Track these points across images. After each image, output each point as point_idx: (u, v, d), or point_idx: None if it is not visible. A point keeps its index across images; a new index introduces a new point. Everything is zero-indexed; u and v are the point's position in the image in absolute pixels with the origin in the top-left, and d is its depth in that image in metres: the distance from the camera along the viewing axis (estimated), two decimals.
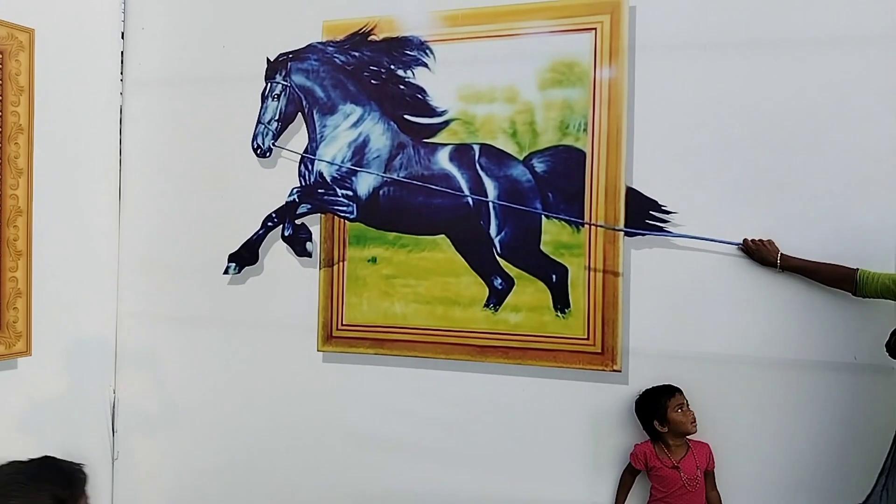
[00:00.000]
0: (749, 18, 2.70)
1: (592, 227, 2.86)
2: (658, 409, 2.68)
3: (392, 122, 3.13)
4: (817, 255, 2.61)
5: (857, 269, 2.52)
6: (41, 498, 1.45)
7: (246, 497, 3.37)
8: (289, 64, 3.27)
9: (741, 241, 2.70)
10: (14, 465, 1.53)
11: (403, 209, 3.11)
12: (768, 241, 2.66)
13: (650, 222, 2.80)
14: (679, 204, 2.77)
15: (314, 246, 3.25)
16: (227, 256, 3.37)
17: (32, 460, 1.55)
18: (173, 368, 3.47)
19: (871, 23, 2.59)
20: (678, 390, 2.70)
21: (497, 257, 2.98)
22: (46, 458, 1.57)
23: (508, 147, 2.96)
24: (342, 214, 3.21)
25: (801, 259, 2.62)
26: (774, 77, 2.67)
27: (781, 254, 2.63)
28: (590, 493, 2.88)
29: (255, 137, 3.32)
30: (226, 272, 3.38)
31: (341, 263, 3.22)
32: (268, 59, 3.30)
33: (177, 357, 3.46)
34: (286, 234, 3.29)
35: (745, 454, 2.72)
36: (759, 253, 2.66)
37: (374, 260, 3.16)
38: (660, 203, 2.79)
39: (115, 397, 3.52)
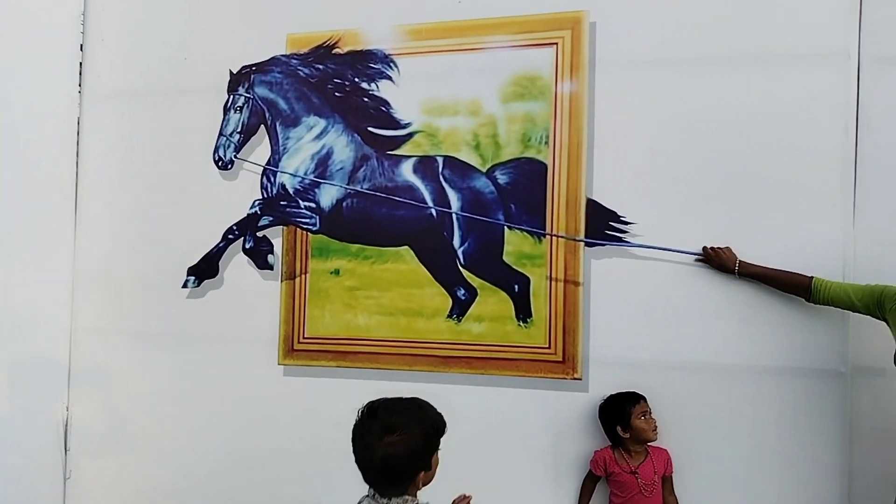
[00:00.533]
0: (706, 36, 2.80)
1: (554, 237, 2.91)
2: (622, 415, 2.71)
3: (356, 135, 3.15)
4: (773, 263, 2.70)
5: (812, 277, 2.61)
6: (429, 430, 1.84)
7: None
8: (252, 76, 3.27)
9: (700, 250, 2.77)
10: (400, 400, 1.90)
11: (367, 221, 3.12)
12: (726, 248, 2.74)
13: (610, 233, 2.86)
14: (638, 215, 2.84)
15: (276, 258, 3.23)
16: (186, 270, 3.33)
17: (413, 398, 1.92)
18: (129, 384, 3.39)
19: (824, 42, 2.71)
20: (642, 398, 2.74)
21: (460, 268, 3.00)
22: (421, 399, 1.92)
23: (472, 159, 3.00)
24: (305, 226, 3.21)
25: (758, 266, 2.70)
26: (730, 93, 2.77)
27: (740, 261, 2.71)
28: (553, 499, 2.90)
29: (216, 150, 3.30)
30: (185, 286, 3.33)
31: (303, 276, 3.20)
32: (230, 72, 3.29)
33: (133, 373, 3.38)
34: (247, 246, 3.26)
35: (702, 459, 2.77)
36: (717, 260, 2.73)
37: (337, 272, 3.15)
38: (619, 214, 2.85)
39: (68, 415, 3.43)
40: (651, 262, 2.83)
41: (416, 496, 1.83)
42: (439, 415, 1.90)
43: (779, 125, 2.74)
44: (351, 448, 1.93)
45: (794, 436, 2.67)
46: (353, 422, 1.97)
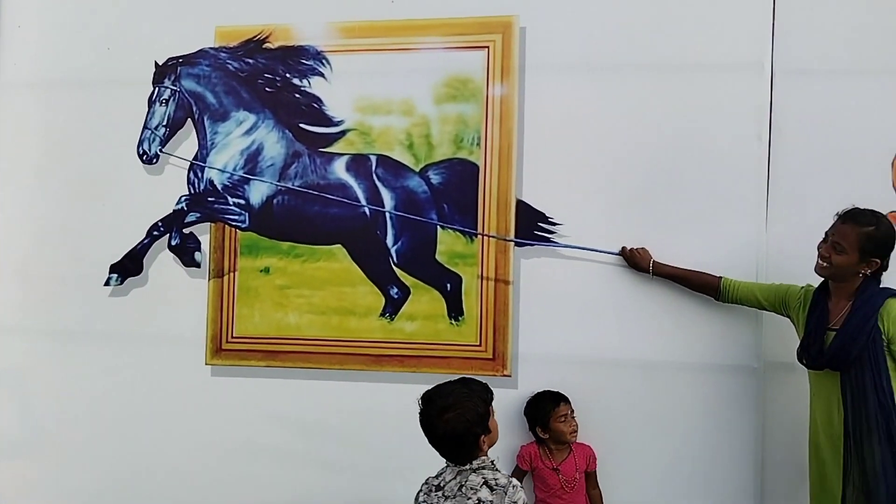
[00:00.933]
0: (629, 43, 2.91)
1: (485, 237, 2.96)
2: (542, 416, 2.80)
3: (287, 131, 3.12)
4: (687, 263, 2.83)
5: (721, 277, 2.76)
6: (477, 402, 2.12)
7: None
8: (178, 68, 3.19)
9: (619, 250, 2.88)
10: (448, 384, 2.18)
11: (298, 218, 3.10)
12: (641, 249, 2.85)
13: (538, 233, 2.93)
14: (565, 216, 2.93)
15: (203, 256, 3.17)
16: (108, 267, 3.22)
17: (460, 379, 2.21)
18: (49, 385, 3.26)
19: (739, 52, 2.85)
20: (564, 399, 2.83)
21: (393, 267, 3.02)
22: (466, 377, 2.22)
23: (405, 159, 3.02)
24: (233, 223, 3.16)
25: (671, 266, 2.83)
26: (651, 99, 2.89)
27: (654, 261, 2.83)
28: None
29: (140, 143, 3.21)
30: (107, 283, 3.23)
31: (232, 274, 3.15)
32: (156, 63, 3.20)
33: (53, 373, 3.26)
34: (173, 243, 3.19)
35: (625, 452, 2.88)
36: (633, 259, 2.85)
37: (267, 270, 3.12)
38: (547, 215, 2.93)
39: None
40: (577, 262, 2.92)
41: (487, 455, 2.14)
42: (484, 385, 2.19)
43: (696, 131, 2.87)
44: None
45: (712, 429, 2.81)
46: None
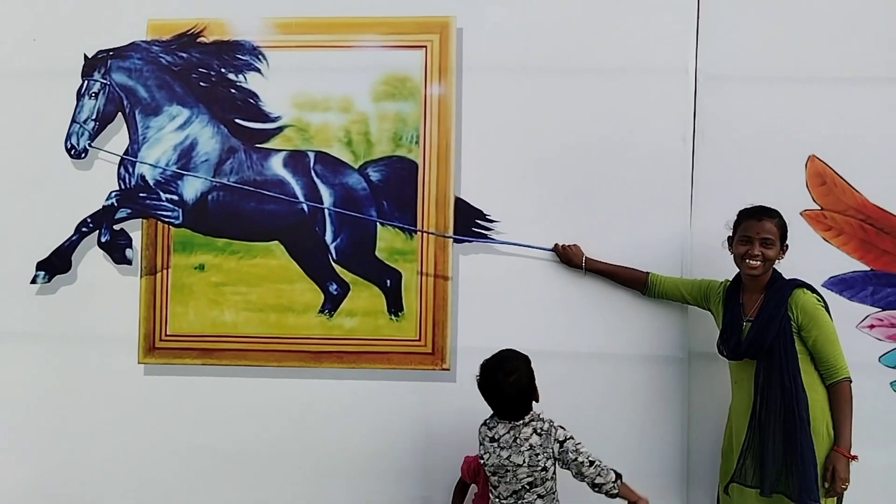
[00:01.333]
0: (560, 46, 3.01)
1: (424, 234, 3.01)
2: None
3: (222, 126, 3.09)
4: (616, 259, 2.96)
5: (649, 273, 2.90)
6: (530, 367, 2.55)
7: None
8: (109, 62, 3.12)
9: (552, 246, 2.98)
10: (506, 352, 2.59)
11: (234, 215, 3.07)
12: (574, 245, 2.96)
13: (476, 230, 3.01)
14: (501, 213, 3.01)
15: (134, 253, 3.11)
16: (35, 264, 3.12)
17: (510, 350, 2.61)
18: None
19: (665, 57, 2.99)
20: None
21: (332, 263, 3.04)
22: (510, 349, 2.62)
23: (343, 155, 3.04)
24: (166, 220, 3.11)
25: (601, 262, 2.95)
26: (582, 101, 3.00)
27: (586, 257, 2.95)
28: (423, 485, 3.03)
29: (68, 137, 3.12)
30: (34, 281, 3.13)
31: (165, 271, 3.10)
32: (85, 56, 3.12)
33: None
34: (103, 240, 3.12)
35: None
36: (566, 256, 2.96)
37: (201, 267, 3.09)
38: (484, 212, 3.01)
39: None
40: (513, 258, 3.01)
41: (533, 410, 2.55)
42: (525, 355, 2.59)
43: (625, 132, 3.00)
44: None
45: (640, 416, 2.94)
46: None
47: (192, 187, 3.10)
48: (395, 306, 3.02)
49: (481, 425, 2.60)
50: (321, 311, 3.04)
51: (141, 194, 3.12)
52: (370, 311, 3.03)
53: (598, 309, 2.97)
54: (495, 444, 2.50)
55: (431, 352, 3.01)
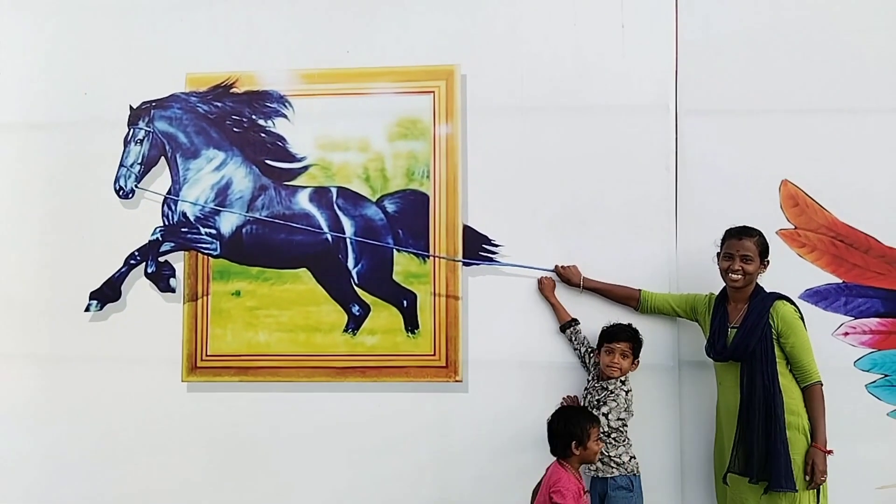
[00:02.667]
0: (556, 89, 3.35)
1: (436, 258, 3.34)
2: (582, 433, 2.81)
3: (254, 166, 3.45)
4: (610, 277, 3.26)
5: (640, 290, 3.20)
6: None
7: None
8: (152, 111, 3.49)
9: (553, 267, 3.29)
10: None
11: (266, 245, 3.42)
12: (573, 266, 3.28)
13: (483, 253, 3.33)
14: (506, 238, 3.33)
15: (178, 282, 3.45)
16: (88, 294, 3.47)
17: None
18: (35, 405, 3.48)
19: (648, 95, 3.32)
20: (597, 420, 2.96)
21: (354, 287, 3.37)
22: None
23: (363, 190, 3.39)
24: (205, 251, 3.45)
25: (597, 281, 3.26)
26: (574, 136, 3.34)
27: (583, 277, 3.25)
28: (440, 488, 3.32)
29: (117, 180, 3.49)
30: (87, 310, 3.47)
31: (205, 297, 3.44)
32: (130, 107, 3.49)
33: (39, 393, 3.48)
34: (149, 270, 3.46)
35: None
36: (565, 275, 3.27)
37: (238, 293, 3.42)
38: (490, 238, 3.33)
39: None
40: (517, 279, 3.32)
41: None
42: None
43: (613, 163, 3.32)
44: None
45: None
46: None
47: (228, 222, 3.45)
48: (411, 324, 3.34)
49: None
50: (345, 331, 3.37)
51: (183, 229, 3.47)
52: (389, 329, 3.35)
53: (595, 322, 3.23)
54: None
55: (445, 365, 3.33)
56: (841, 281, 3.25)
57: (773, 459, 2.78)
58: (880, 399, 3.22)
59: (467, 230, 3.34)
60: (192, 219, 3.47)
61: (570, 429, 2.80)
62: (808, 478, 2.80)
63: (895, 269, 3.25)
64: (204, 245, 3.46)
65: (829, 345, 3.18)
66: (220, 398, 3.41)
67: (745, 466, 2.85)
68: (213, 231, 3.46)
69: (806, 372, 2.87)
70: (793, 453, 2.80)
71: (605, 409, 3.03)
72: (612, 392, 3.05)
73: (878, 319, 3.25)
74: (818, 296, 3.25)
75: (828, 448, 2.82)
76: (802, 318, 2.94)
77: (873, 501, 3.16)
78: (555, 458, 2.88)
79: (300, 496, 3.38)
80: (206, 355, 3.43)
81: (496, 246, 3.33)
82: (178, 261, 3.46)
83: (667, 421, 3.25)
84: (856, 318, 3.25)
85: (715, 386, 3.08)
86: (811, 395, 2.86)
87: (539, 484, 2.89)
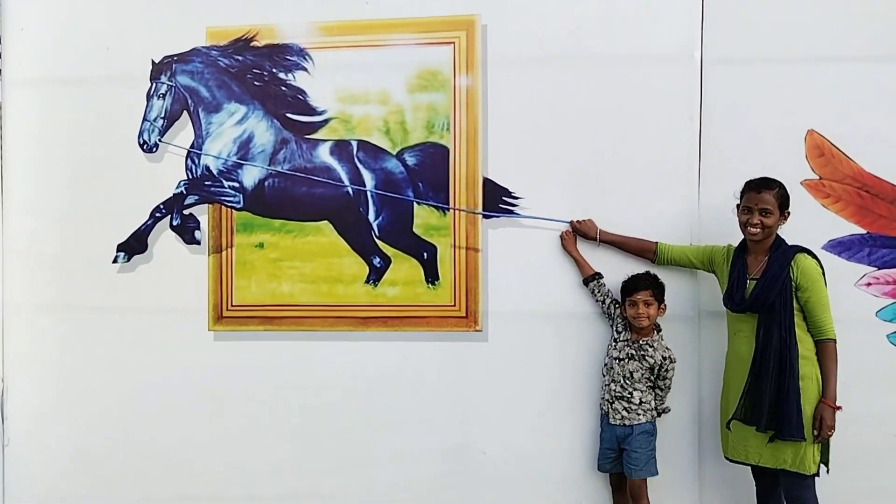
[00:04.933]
0: (576, 37, 3.30)
1: (456, 211, 3.36)
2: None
3: (275, 120, 3.47)
4: (632, 230, 3.26)
5: (657, 242, 3.20)
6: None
7: (143, 476, 3.57)
8: (174, 66, 3.51)
9: (574, 220, 3.29)
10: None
11: (288, 198, 3.46)
12: (588, 220, 3.28)
13: (502, 206, 3.34)
14: (525, 190, 3.34)
15: (203, 234, 3.52)
16: (115, 246, 3.55)
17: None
18: (64, 355, 3.60)
19: (673, 44, 3.26)
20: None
21: (375, 239, 3.41)
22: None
23: (383, 143, 3.40)
24: (229, 204, 3.51)
25: (614, 234, 3.26)
26: (596, 87, 3.30)
27: (600, 230, 3.26)
28: (460, 433, 3.42)
29: (140, 134, 3.53)
30: (115, 261, 3.56)
31: (230, 249, 3.51)
32: (152, 61, 3.52)
33: (68, 344, 3.59)
34: (174, 223, 3.53)
35: (580, 390, 3.35)
36: (582, 229, 3.27)
37: (261, 245, 3.48)
38: (510, 190, 3.34)
39: (3, 385, 3.61)
40: (536, 231, 3.34)
41: None
42: None
43: (636, 114, 3.29)
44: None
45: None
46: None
47: (250, 175, 3.49)
48: (431, 276, 3.38)
49: None
50: (367, 282, 3.42)
51: (206, 182, 3.52)
52: (410, 281, 3.40)
53: (614, 273, 3.26)
54: None
55: (465, 315, 3.38)
56: (865, 231, 3.23)
57: (784, 408, 2.82)
58: None
59: (487, 183, 3.35)
60: (215, 172, 3.51)
61: None
62: (815, 432, 2.83)
63: None
64: (227, 198, 3.51)
65: (851, 295, 3.18)
66: (245, 346, 3.50)
67: (752, 415, 2.90)
68: (236, 184, 3.50)
69: (821, 328, 2.88)
70: (804, 403, 2.83)
71: (633, 366, 3.12)
72: (645, 350, 3.13)
73: None
74: (841, 246, 3.23)
75: (837, 404, 2.84)
76: (823, 273, 2.92)
77: (890, 448, 3.18)
78: None
79: (322, 439, 3.48)
80: (232, 305, 3.51)
81: (516, 198, 3.34)
82: (203, 213, 3.52)
83: (686, 368, 3.28)
84: (879, 269, 3.24)
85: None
86: (824, 351, 2.88)
87: None
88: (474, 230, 3.36)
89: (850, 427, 2.97)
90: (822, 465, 2.91)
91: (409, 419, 3.45)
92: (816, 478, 2.89)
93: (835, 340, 2.87)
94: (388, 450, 3.46)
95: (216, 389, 3.53)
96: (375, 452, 3.46)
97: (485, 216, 3.35)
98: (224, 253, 3.51)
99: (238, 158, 3.49)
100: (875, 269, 3.24)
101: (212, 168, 3.52)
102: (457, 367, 3.41)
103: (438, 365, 3.42)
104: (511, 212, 3.34)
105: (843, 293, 3.09)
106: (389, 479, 3.45)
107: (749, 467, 3.06)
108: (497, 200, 3.34)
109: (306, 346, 3.48)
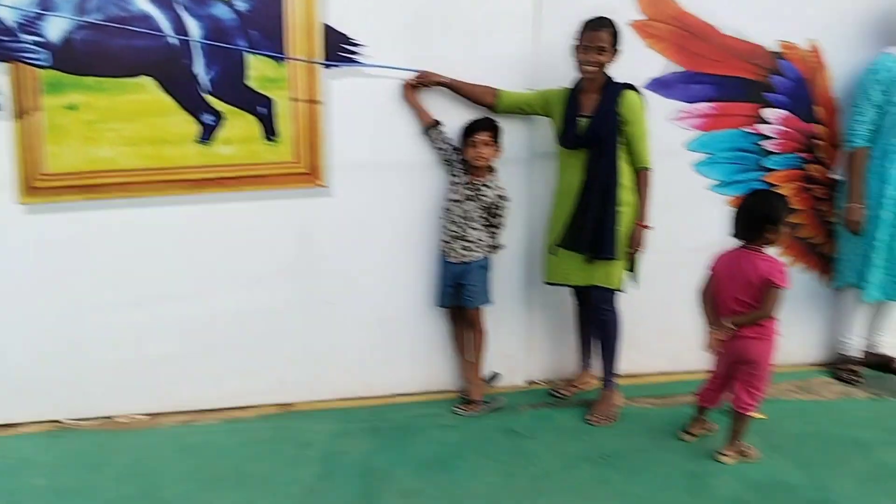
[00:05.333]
0: None
1: (293, 60, 3.17)
2: (778, 219, 2.74)
3: None
4: (473, 78, 3.26)
5: (497, 89, 3.22)
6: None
7: None
8: None
9: (417, 68, 3.22)
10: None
11: (102, 53, 3.11)
12: (424, 72, 3.21)
13: (343, 54, 3.20)
14: (367, 38, 3.21)
15: (3, 97, 3.10)
16: None
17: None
18: None
19: None
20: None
21: (204, 94, 3.16)
22: None
23: None
24: (33, 62, 3.11)
25: (455, 80, 3.24)
26: None
27: (440, 77, 3.22)
28: (308, 289, 3.34)
29: None
30: None
31: (36, 113, 3.12)
32: None
33: None
34: None
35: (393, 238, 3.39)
36: (421, 80, 3.22)
37: (73, 107, 3.12)
38: (350, 37, 3.20)
39: None
40: (379, 81, 3.25)
41: None
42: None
43: None
44: None
45: None
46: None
47: (56, 28, 3.10)
48: (270, 132, 3.20)
49: None
50: (198, 141, 3.18)
51: (2, 38, 3.09)
52: (247, 139, 3.20)
53: (453, 122, 3.27)
54: None
55: (308, 172, 3.24)
56: (683, 69, 3.46)
57: (602, 233, 3.07)
58: (704, 175, 3.59)
59: (327, 30, 3.18)
60: (12, 25, 3.09)
61: (769, 212, 2.72)
62: (630, 250, 3.14)
63: (730, 56, 3.49)
64: (30, 55, 3.10)
65: (665, 129, 3.44)
66: (64, 218, 3.16)
67: (574, 241, 3.12)
68: (40, 39, 3.10)
69: (640, 157, 3.11)
70: (620, 227, 3.08)
71: (469, 206, 3.22)
72: (480, 190, 3.22)
73: (709, 104, 3.53)
74: (661, 84, 3.48)
75: (647, 224, 3.14)
76: (646, 108, 3.12)
77: (686, 261, 3.33)
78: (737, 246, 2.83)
79: (163, 310, 3.27)
80: (42, 174, 3.14)
81: (357, 46, 3.21)
82: (2, 74, 3.10)
83: (518, 206, 3.41)
84: (690, 103, 3.49)
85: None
86: (642, 178, 3.13)
87: (709, 282, 2.89)
88: (314, 81, 3.20)
89: (656, 244, 3.24)
90: (632, 281, 3.22)
91: (255, 278, 3.30)
92: (620, 293, 3.19)
93: (650, 169, 3.11)
94: (229, 311, 3.31)
95: (33, 266, 3.17)
96: (217, 313, 3.31)
97: (325, 66, 3.20)
98: (30, 116, 3.12)
99: (39, 8, 3.08)
100: (688, 103, 3.50)
101: (6, 21, 3.09)
102: (300, 225, 3.29)
103: (283, 222, 3.28)
104: (353, 60, 3.21)
105: (660, 128, 3.35)
106: (231, 339, 3.34)
107: (569, 289, 3.32)
108: (337, 48, 3.20)
109: (134, 214, 3.19)
